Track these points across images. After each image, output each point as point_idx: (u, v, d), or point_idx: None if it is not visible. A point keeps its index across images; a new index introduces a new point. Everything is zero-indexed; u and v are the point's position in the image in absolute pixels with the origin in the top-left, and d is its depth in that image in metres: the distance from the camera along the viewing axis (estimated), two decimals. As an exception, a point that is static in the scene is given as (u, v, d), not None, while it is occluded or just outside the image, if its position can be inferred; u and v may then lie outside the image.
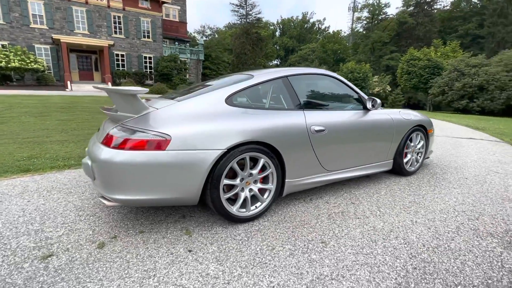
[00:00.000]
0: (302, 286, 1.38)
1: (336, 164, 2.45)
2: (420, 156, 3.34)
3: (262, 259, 1.58)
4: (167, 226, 1.92)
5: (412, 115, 3.15)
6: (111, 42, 20.28)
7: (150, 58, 23.00)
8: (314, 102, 2.47)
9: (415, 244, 1.79)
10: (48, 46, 19.54)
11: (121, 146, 1.65)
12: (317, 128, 2.24)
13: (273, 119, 2.06)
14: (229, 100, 2.00)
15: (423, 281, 1.44)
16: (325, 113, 2.40)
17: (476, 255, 1.69)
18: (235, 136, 1.83)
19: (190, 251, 1.64)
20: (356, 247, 1.73)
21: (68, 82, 18.13)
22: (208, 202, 1.86)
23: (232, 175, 1.93)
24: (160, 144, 1.66)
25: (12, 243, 1.66)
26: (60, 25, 19.68)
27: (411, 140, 3.14)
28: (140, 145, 1.64)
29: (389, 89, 28.47)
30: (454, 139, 6.26)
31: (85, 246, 1.65)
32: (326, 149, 2.32)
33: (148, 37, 22.79)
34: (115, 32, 21.58)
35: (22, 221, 1.93)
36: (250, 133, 1.89)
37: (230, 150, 1.82)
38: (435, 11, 42.73)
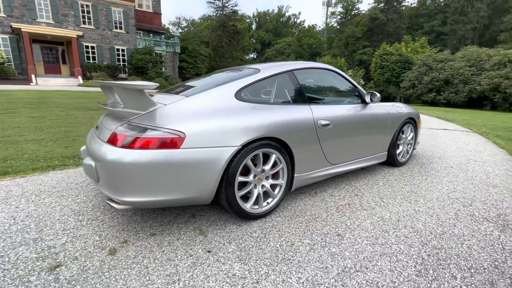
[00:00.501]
0: (330, 280, 1.39)
1: (339, 157, 2.49)
2: (410, 148, 3.50)
3: (284, 255, 1.57)
4: (178, 227, 1.85)
5: (404, 108, 3.29)
6: (80, 33, 18.95)
7: (123, 50, 21.83)
8: (319, 96, 2.48)
9: (423, 232, 1.87)
10: (7, 36, 17.83)
11: (132, 145, 1.54)
12: (323, 122, 2.25)
13: (283, 114, 2.03)
14: (238, 95, 1.94)
15: (439, 267, 1.52)
16: (329, 107, 2.42)
17: (479, 239, 1.81)
18: (250, 132, 1.79)
19: (209, 251, 1.59)
20: (371, 238, 1.78)
21: (33, 76, 16.74)
22: (222, 201, 1.81)
23: (245, 172, 1.89)
24: (175, 142, 1.58)
25: (11, 255, 1.51)
26: (20, 13, 17.99)
27: (402, 132, 3.28)
28: (153, 144, 1.55)
29: (363, 83, 29.56)
30: (431, 130, 6.65)
31: (95, 254, 1.54)
32: (331, 142, 2.35)
33: (121, 28, 21.57)
34: (84, 22, 20.16)
35: (15, 229, 1.75)
36: (263, 128, 1.85)
37: (244, 146, 1.77)
38: (404, 8, 44.69)
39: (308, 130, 2.15)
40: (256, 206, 1.94)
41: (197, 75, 28.75)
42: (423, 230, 1.90)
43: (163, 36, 26.07)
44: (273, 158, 1.97)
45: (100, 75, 18.35)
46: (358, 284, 1.36)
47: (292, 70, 2.31)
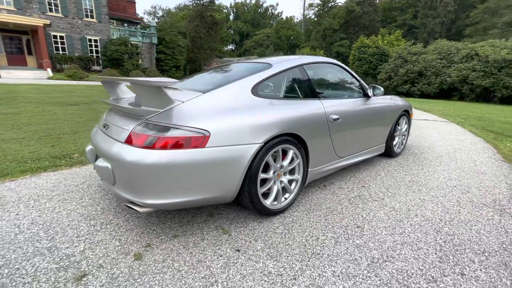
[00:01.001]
0: (363, 271, 1.43)
1: (346, 150, 2.55)
2: (404, 139, 3.65)
3: (313, 250, 1.60)
4: (199, 227, 1.81)
5: (400, 101, 3.41)
6: (47, 22, 17.52)
7: (95, 41, 20.55)
8: (327, 90, 2.50)
9: (434, 220, 1.98)
10: (-40, 24, 16.12)
11: (155, 145, 1.47)
12: (334, 116, 2.28)
13: (299, 109, 2.03)
14: (254, 91, 1.91)
15: (457, 252, 1.62)
16: (337, 101, 2.45)
17: (483, 224, 1.95)
18: (271, 129, 1.77)
19: (238, 250, 1.58)
20: (388, 228, 1.86)
21: (-6, 68, 15.34)
22: (244, 199, 1.79)
23: (265, 169, 1.88)
24: (200, 141, 1.52)
25: (27, 267, 1.40)
26: (-25, -2, 16.29)
27: (398, 124, 3.41)
28: (178, 143, 1.49)
29: (342, 75, 30.23)
30: (413, 120, 6.97)
31: (120, 260, 1.47)
32: (340, 136, 2.39)
33: (92, 17, 20.23)
34: (51, 10, 18.65)
35: (23, 239, 1.63)
36: (283, 125, 1.84)
37: (266, 143, 1.76)
38: (378, 1, 45.90)
39: (321, 124, 2.17)
40: (276, 202, 1.94)
41: (176, 67, 27.84)
42: (433, 218, 2.01)
43: (138, 26, 24.85)
44: (290, 153, 1.97)
45: (72, 67, 17.16)
46: (389, 273, 1.42)
47: (302, 65, 2.30)
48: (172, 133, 1.50)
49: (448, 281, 1.38)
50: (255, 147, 1.70)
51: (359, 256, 1.55)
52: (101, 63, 20.69)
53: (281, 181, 1.98)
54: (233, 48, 73.33)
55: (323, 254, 1.56)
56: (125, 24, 23.57)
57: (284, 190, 2.04)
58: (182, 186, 1.53)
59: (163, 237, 1.69)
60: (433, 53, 20.51)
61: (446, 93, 20.33)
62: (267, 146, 1.76)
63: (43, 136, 4.11)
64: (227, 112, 1.69)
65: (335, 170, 2.59)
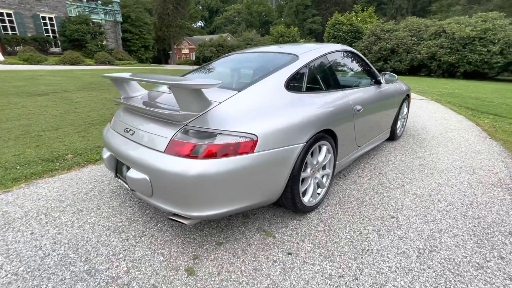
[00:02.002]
0: (415, 263, 1.49)
1: (363, 139, 2.57)
2: (404, 122, 3.78)
3: (361, 246, 1.62)
4: (240, 231, 1.75)
5: (403, 85, 3.47)
6: (-12, -4, 15.24)
7: (51, 19, 18.36)
8: (346, 80, 2.45)
9: (456, 204, 2.10)
10: None
11: (202, 154, 1.35)
12: (358, 107, 2.26)
13: (329, 102, 1.98)
14: (287, 86, 1.81)
15: (489, 236, 1.73)
16: (357, 91, 2.42)
17: (499, 204, 2.10)
18: (311, 127, 1.71)
19: (290, 253, 1.56)
20: (420, 216, 1.93)
21: None
22: (285, 199, 1.75)
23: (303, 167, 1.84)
24: (249, 146, 1.43)
25: (73, 297, 1.27)
26: None
27: (401, 108, 3.50)
28: (228, 151, 1.38)
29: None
30: (397, 100, 7.23)
31: (172, 277, 1.38)
32: (361, 126, 2.39)
33: (43, -10, 17.91)
34: (-8, -18, 16.19)
35: (53, 263, 1.46)
36: (320, 121, 1.79)
37: (307, 142, 1.70)
38: (348, -24, 45.56)
39: (348, 117, 2.14)
40: (312, 199, 1.93)
41: (144, 47, 26.03)
42: (455, 202, 2.13)
43: (99, 1, 22.52)
44: (324, 149, 1.94)
45: (27, 50, 15.31)
46: (440, 263, 1.49)
47: (326, 54, 2.22)
48: (220, 140, 1.38)
49: (493, 266, 1.48)
50: (299, 147, 1.63)
51: (406, 248, 1.60)
52: (60, 44, 18.69)
53: (315, 177, 1.96)
54: (203, 25, 69.85)
55: (372, 249, 1.59)
56: (84, 0, 21.24)
57: (318, 185, 2.03)
58: (231, 195, 1.44)
59: (207, 246, 1.62)
60: (404, 30, 21.10)
61: (416, 69, 21.29)
62: (308, 144, 1.71)
63: (20, 135, 3.68)
64: (267, 111, 1.59)
65: (353, 161, 2.62)
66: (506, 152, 3.29)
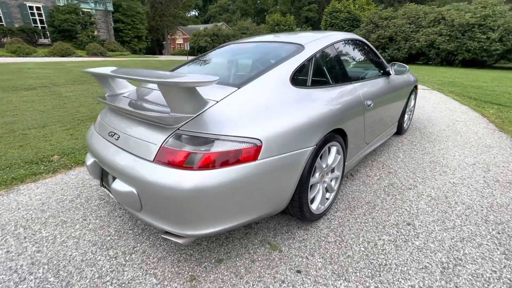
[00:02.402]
0: (440, 281, 1.33)
1: (371, 136, 2.38)
2: (410, 114, 3.59)
3: (378, 261, 1.46)
4: (242, 244, 1.57)
5: (411, 76, 3.26)
6: (-30, -15, 14.49)
7: (38, 8, 17.62)
8: (355, 71, 2.24)
9: (475, 207, 1.94)
10: None
11: (199, 164, 1.15)
12: (368, 102, 2.07)
13: (338, 98, 1.77)
14: (293, 80, 1.60)
15: (515, 244, 1.58)
16: (367, 83, 2.22)
17: (521, 206, 1.95)
18: (321, 128, 1.51)
19: (299, 271, 1.39)
20: (438, 222, 1.77)
21: None
22: (293, 208, 1.57)
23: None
24: (252, 153, 1.23)
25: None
26: None
27: (408, 100, 3.30)
28: (227, 159, 1.18)
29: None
30: (399, 90, 7.03)
31: (167, 304, 1.21)
32: (370, 122, 2.20)
33: (28, -22, 17.10)
34: (-27, -31, 15.39)
35: (29, 289, 1.28)
36: (331, 120, 1.59)
37: (317, 144, 1.51)
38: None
39: (358, 113, 1.95)
40: (320, 205, 1.75)
41: (138, 38, 25.27)
42: (473, 204, 1.97)
43: (88, -11, 21.64)
44: (334, 150, 1.75)
45: (14, 41, 14.72)
46: (468, 281, 1.33)
47: (333, 44, 2.00)
48: (219, 147, 1.18)
49: (526, 282, 1.33)
50: (308, 151, 1.44)
51: (428, 263, 1.44)
52: (49, 35, 18.03)
53: (324, 182, 1.78)
54: (197, 14, 68.32)
55: (390, 264, 1.43)
56: (72, -12, 20.39)
57: (326, 190, 1.85)
58: (232, 209, 1.25)
59: (206, 264, 1.44)
60: (402, 17, 20.68)
61: (414, 57, 21.00)
62: (317, 147, 1.51)
63: (4, 134, 3.44)
64: (272, 110, 1.39)
65: (361, 159, 2.44)
66: (518, 146, 3.13)
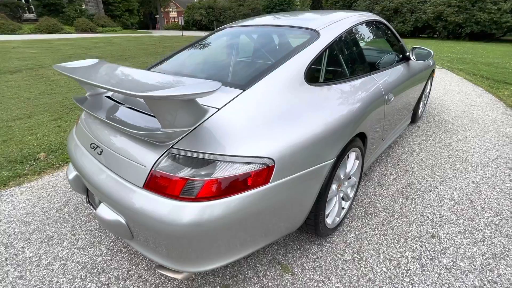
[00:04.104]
0: (475, 312, 1.17)
1: (388, 131, 2.15)
2: (425, 101, 3.33)
3: (403, 284, 1.29)
4: (250, 265, 1.41)
5: (430, 59, 2.96)
6: None
7: (19, -21, 16.40)
8: (374, 59, 1.96)
9: (504, 213, 1.76)
10: None
11: (202, 194, 0.94)
12: (390, 96, 1.81)
13: (360, 95, 1.52)
14: (308, 76, 1.33)
15: (554, 261, 1.42)
16: (386, 73, 1.94)
17: (553, 211, 1.77)
18: (342, 135, 1.28)
19: (315, 301, 1.23)
20: (465, 233, 1.60)
21: None
22: (308, 226, 1.39)
23: (326, 182, 1.44)
24: (263, 176, 1.01)
25: None
26: None
27: (425, 86, 3.03)
28: (233, 186, 0.96)
29: (314, 14, 28.27)
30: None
31: None
32: (389, 117, 1.96)
33: None
34: None
35: (9, 330, 1.12)
36: (354, 125, 1.36)
37: (336, 157, 1.28)
38: None
39: (380, 110, 1.70)
40: (336, 217, 1.56)
41: (129, 11, 23.88)
42: (501, 210, 1.79)
43: (72, -42, 20.02)
44: (353, 156, 1.54)
45: (-3, 17, 13.84)
46: (506, 311, 1.18)
47: (351, 28, 1.70)
48: (222, 171, 0.96)
49: None
50: (328, 166, 1.23)
51: (456, 285, 1.28)
52: (33, 10, 16.95)
53: (340, 191, 1.58)
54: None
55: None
56: (55, -44, 18.82)
57: (342, 199, 1.66)
58: (242, 240, 1.06)
59: (210, 291, 1.28)
60: (409, -14, 19.47)
61: (419, 31, 20.09)
62: (337, 159, 1.29)
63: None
64: (285, 118, 1.14)
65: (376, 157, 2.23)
66: (540, 135, 2.92)
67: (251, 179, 0.99)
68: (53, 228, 1.67)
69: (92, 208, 1.36)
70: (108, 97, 1.43)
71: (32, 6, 16.70)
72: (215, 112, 1.08)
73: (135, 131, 0.98)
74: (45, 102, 4.07)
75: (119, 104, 1.31)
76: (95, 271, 1.37)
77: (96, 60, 1.40)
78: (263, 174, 1.01)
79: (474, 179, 2.13)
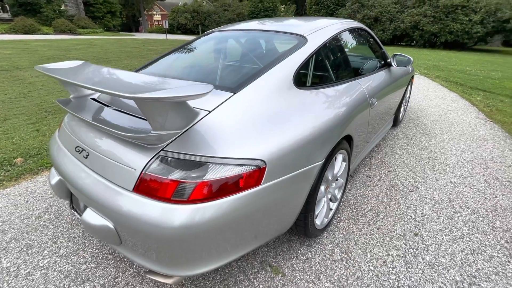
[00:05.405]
0: (457, 306, 1.23)
1: (372, 134, 2.23)
2: (405, 105, 3.47)
3: (389, 282, 1.34)
4: (240, 268, 1.40)
5: (409, 66, 3.10)
6: None
7: (-7, -23, 15.64)
8: (357, 65, 2.03)
9: (480, 211, 1.86)
10: None
11: (194, 197, 0.93)
12: (373, 100, 1.88)
13: (346, 99, 1.57)
14: (296, 81, 1.37)
15: (526, 255, 1.51)
16: (370, 79, 2.02)
17: (524, 209, 1.89)
18: (330, 138, 1.32)
19: (306, 301, 1.24)
20: (446, 231, 1.68)
21: None
22: (297, 227, 1.41)
23: (315, 184, 1.47)
24: (255, 178, 1.02)
25: None
26: None
27: (405, 91, 3.16)
28: (224, 188, 0.97)
29: (298, 21, 28.83)
30: (387, 75, 6.93)
31: None
32: (373, 121, 2.04)
33: None
34: None
35: None
36: (342, 127, 1.40)
37: (325, 158, 1.32)
38: None
39: (365, 113, 1.77)
40: (325, 218, 1.59)
41: (111, 13, 23.35)
42: (478, 208, 1.89)
43: (50, -43, 19.39)
44: (340, 158, 1.58)
45: (-33, 16, 13.10)
46: (485, 304, 1.24)
47: (337, 34, 1.76)
48: (214, 173, 0.96)
49: (543, 302, 1.26)
50: (317, 167, 1.25)
51: (442, 282, 1.34)
52: (8, 9, 16.20)
53: (328, 193, 1.61)
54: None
55: (404, 286, 1.32)
56: (32, -46, 18.15)
57: (330, 200, 1.69)
58: (233, 242, 1.06)
59: (200, 296, 1.26)
60: (388, -3, 20.33)
61: (397, 39, 20.97)
62: (325, 160, 1.33)
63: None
64: (275, 121, 1.17)
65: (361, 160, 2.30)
66: (510, 139, 3.11)
67: (243, 180, 0.99)
68: (33, 236, 1.59)
69: (76, 214, 1.32)
70: (94, 99, 1.40)
71: (6, 5, 15.97)
72: (206, 115, 1.09)
73: (125, 133, 0.97)
74: (22, 105, 3.89)
75: (105, 106, 1.28)
76: (79, 279, 1.32)
77: (80, 62, 1.36)
78: (255, 176, 1.02)
79: (452, 179, 2.24)
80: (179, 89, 0.88)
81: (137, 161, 1.00)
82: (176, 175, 0.95)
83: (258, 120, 1.13)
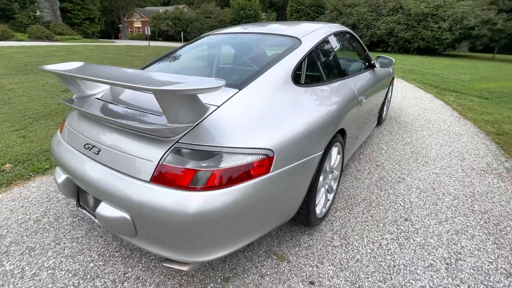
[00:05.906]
0: (447, 279, 1.35)
1: (360, 131, 2.37)
2: (387, 105, 3.69)
3: (386, 261, 1.45)
4: (247, 257, 1.46)
5: (390, 68, 3.32)
6: None
7: (-39, -18, 14.91)
8: (347, 66, 2.17)
9: (461, 197, 2.04)
10: None
11: (209, 184, 1.00)
12: (362, 98, 2.03)
13: (340, 96, 1.69)
14: (295, 79, 1.47)
15: (502, 233, 1.68)
16: (358, 78, 2.17)
17: (498, 193, 2.09)
18: (328, 130, 1.43)
19: (312, 283, 1.32)
20: (432, 215, 1.83)
21: None
22: (300, 216, 1.49)
23: (313, 175, 1.57)
24: (264, 166, 1.10)
25: None
26: None
27: (387, 91, 3.37)
28: (237, 176, 1.04)
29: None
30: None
31: None
32: (361, 117, 2.18)
33: None
34: None
35: None
36: (337, 120, 1.52)
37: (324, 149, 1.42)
38: None
39: (355, 109, 1.90)
40: (323, 208, 1.69)
41: (89, 20, 22.80)
42: (458, 194, 2.07)
43: (24, -38, 18.75)
44: (335, 151, 1.69)
45: None
46: (470, 275, 1.38)
47: (328, 36, 1.90)
48: (228, 162, 1.03)
49: (519, 271, 1.41)
50: (318, 157, 1.35)
51: (432, 260, 1.47)
52: (-22, 15, 15.45)
53: (326, 184, 1.72)
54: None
55: (399, 265, 1.43)
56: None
57: (327, 191, 1.79)
58: (244, 228, 1.13)
59: (212, 285, 1.31)
60: (364, 5, 21.35)
61: (375, 45, 21.97)
62: (324, 151, 1.43)
63: None
64: (279, 114, 1.26)
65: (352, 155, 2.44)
66: (481, 133, 3.39)
67: (254, 169, 1.07)
68: (33, 239, 1.57)
69: (84, 211, 1.33)
70: (98, 98, 1.43)
71: (-24, 11, 15.24)
72: (215, 109, 1.16)
73: (141, 126, 1.02)
74: (3, 112, 3.75)
75: (112, 104, 1.32)
76: (88, 277, 1.33)
77: (81, 63, 1.40)
78: (265, 164, 1.10)
79: (434, 170, 2.42)
80: (195, 83, 0.95)
81: (152, 153, 1.05)
82: (193, 164, 1.01)
83: (263, 113, 1.21)
